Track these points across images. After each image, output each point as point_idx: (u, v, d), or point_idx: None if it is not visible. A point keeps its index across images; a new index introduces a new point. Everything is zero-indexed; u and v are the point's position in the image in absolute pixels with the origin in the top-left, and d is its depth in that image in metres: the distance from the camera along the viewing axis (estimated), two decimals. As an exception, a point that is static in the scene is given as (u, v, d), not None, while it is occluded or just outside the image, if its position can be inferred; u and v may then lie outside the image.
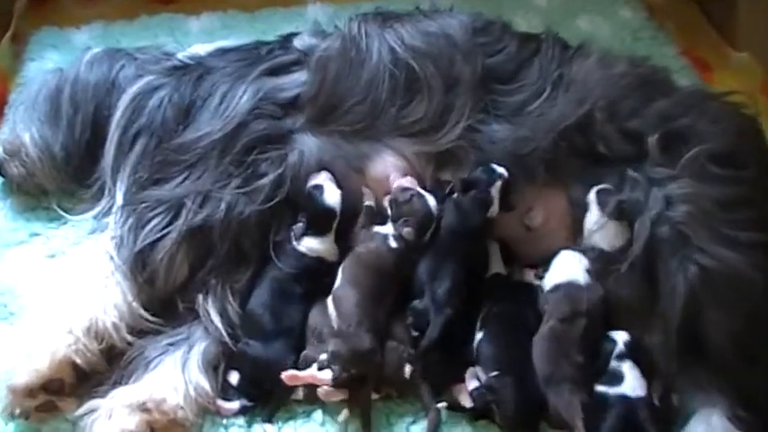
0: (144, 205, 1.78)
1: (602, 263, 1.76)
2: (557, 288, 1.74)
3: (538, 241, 1.90)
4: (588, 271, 1.74)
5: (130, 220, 1.77)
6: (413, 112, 1.84)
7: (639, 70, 1.94)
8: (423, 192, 1.78)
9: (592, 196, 1.79)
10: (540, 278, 1.78)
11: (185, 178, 1.80)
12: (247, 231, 1.78)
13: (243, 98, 1.84)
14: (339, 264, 1.79)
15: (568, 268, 1.75)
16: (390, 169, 1.84)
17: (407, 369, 1.66)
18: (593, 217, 1.80)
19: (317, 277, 1.78)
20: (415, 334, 1.71)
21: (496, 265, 1.84)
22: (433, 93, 1.84)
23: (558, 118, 1.83)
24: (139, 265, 1.74)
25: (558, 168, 1.86)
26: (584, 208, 1.82)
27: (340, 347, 1.64)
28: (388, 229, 1.80)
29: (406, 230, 1.75)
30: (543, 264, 1.84)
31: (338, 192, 1.79)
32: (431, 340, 1.67)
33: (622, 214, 1.77)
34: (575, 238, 1.88)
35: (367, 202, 1.84)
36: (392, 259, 1.76)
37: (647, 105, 1.85)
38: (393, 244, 1.77)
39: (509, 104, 1.88)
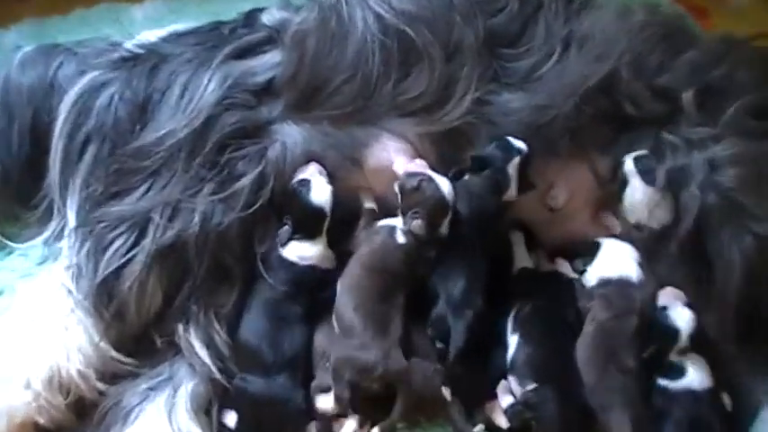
0: (102, 225, 1.47)
1: (651, 244, 1.49)
2: (605, 283, 1.48)
3: (561, 223, 1.65)
4: (641, 264, 1.46)
5: (88, 245, 1.46)
6: (411, 86, 1.56)
7: (659, 19, 1.67)
8: (434, 175, 1.49)
9: (629, 166, 1.53)
10: (581, 271, 1.50)
11: (149, 188, 1.50)
12: (228, 244, 1.49)
13: (208, 87, 1.54)
14: (338, 272, 1.51)
15: (619, 261, 1.49)
16: (392, 155, 1.55)
17: (446, 391, 1.39)
18: (637, 191, 1.53)
19: (314, 290, 1.50)
20: (440, 346, 1.42)
21: (523, 259, 1.58)
22: (432, 62, 1.55)
23: (579, 79, 1.57)
24: (104, 298, 1.45)
25: (582, 137, 1.60)
26: (621, 181, 1.56)
27: (345, 367, 1.38)
28: (396, 221, 1.51)
29: (416, 223, 1.46)
30: (573, 251, 1.59)
31: (328, 187, 1.51)
32: (457, 349, 1.41)
33: (670, 185, 1.51)
34: (601, 217, 1.63)
35: (367, 205, 1.56)
36: (400, 257, 1.48)
37: (675, 57, 1.61)
38: (401, 239, 1.48)
39: (518, 70, 1.61)
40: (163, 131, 1.52)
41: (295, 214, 1.50)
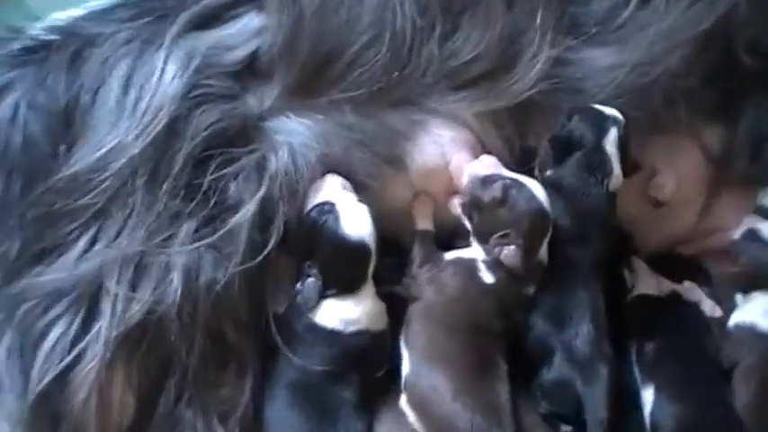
0: (27, 306, 0.91)
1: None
2: None
3: (667, 220, 1.18)
4: None
5: (7, 339, 0.90)
6: (463, 46, 1.04)
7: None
8: (520, 177, 0.99)
9: None
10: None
11: (93, 240, 0.95)
12: (229, 311, 0.95)
13: (166, 74, 0.99)
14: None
15: None
16: (448, 149, 1.04)
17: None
18: None
19: (368, 365, 0.96)
20: (567, 429, 0.92)
21: (642, 282, 1.10)
22: (490, 11, 1.04)
23: (685, 24, 1.09)
24: (46, 421, 0.90)
25: (687, 102, 1.11)
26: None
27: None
28: (473, 252, 0.99)
29: (507, 252, 0.94)
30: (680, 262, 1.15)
31: (364, 208, 0.98)
32: (602, 425, 0.92)
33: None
34: (710, 211, 1.17)
35: (421, 225, 1.04)
36: (492, 304, 0.98)
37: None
38: (488, 277, 0.97)
39: (593, 16, 1.11)
40: (104, 149, 0.97)
41: (323, 258, 0.97)
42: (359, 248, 0.97)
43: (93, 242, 0.94)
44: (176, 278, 0.93)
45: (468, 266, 0.98)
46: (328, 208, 0.98)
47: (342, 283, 0.97)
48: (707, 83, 1.13)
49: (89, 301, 0.92)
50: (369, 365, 0.97)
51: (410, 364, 0.95)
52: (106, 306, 0.91)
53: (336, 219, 0.97)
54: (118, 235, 0.94)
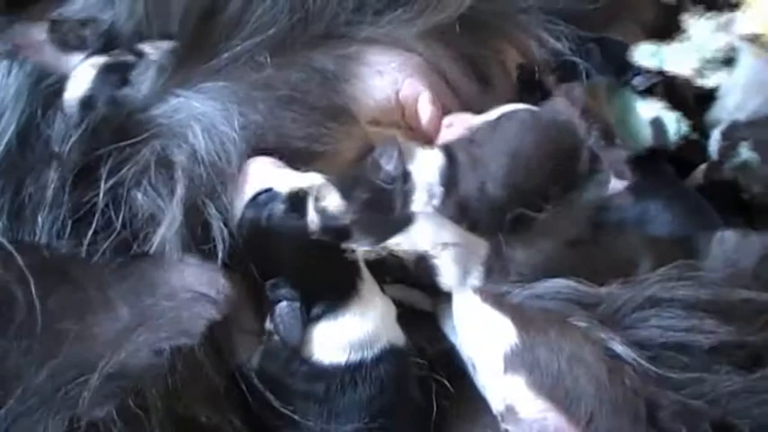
0: None
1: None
2: None
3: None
4: None
5: None
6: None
7: None
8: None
9: None
10: None
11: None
12: (191, 382, 0.56)
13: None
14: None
15: None
16: (397, 75, 0.76)
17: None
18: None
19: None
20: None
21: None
22: None
23: None
24: None
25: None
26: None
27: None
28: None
29: None
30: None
31: (316, 176, 0.67)
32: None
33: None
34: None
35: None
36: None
37: None
38: None
39: None
40: None
41: (289, 266, 0.62)
42: (333, 232, 0.64)
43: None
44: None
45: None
46: (267, 197, 0.64)
47: (330, 292, 0.61)
48: None
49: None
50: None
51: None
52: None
53: (285, 204, 0.63)
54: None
